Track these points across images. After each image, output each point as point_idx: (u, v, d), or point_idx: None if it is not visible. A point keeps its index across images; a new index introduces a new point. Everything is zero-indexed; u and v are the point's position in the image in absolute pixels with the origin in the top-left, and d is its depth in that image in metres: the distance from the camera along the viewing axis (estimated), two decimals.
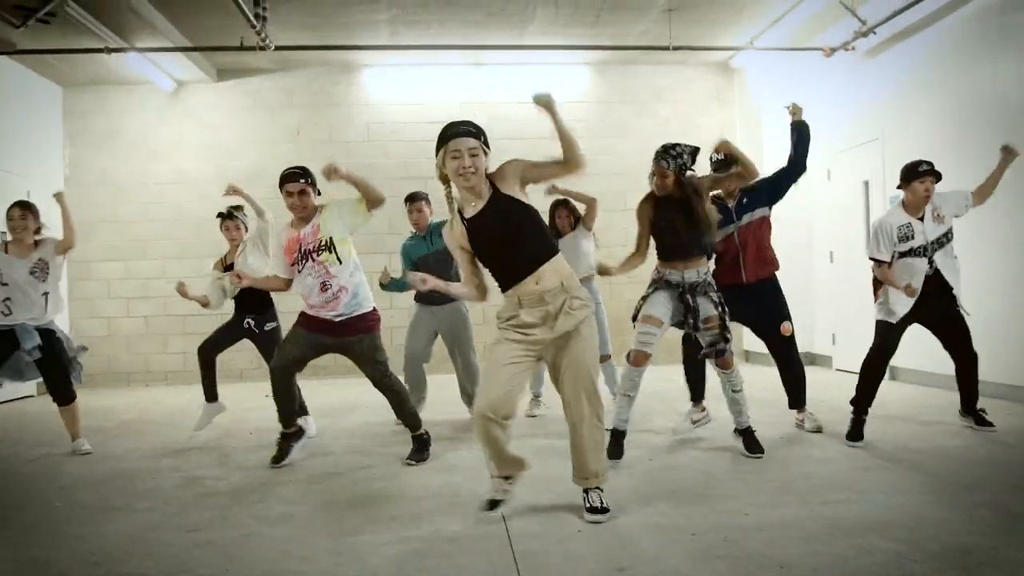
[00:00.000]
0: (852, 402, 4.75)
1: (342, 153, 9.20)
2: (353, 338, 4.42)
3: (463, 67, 9.32)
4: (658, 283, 4.35)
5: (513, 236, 3.22)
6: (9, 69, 7.99)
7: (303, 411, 5.48)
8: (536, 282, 3.20)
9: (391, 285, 5.49)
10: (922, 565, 2.65)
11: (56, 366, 4.96)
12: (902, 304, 4.63)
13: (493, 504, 3.34)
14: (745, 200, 4.92)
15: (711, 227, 4.27)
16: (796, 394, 5.04)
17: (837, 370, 8.24)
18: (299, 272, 4.40)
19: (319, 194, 4.52)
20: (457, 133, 3.22)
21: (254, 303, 5.38)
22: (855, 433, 4.61)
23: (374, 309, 4.50)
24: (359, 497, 3.75)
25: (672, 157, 4.26)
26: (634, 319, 4.38)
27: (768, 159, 8.90)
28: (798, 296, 8.73)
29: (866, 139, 7.72)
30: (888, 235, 4.67)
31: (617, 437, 4.30)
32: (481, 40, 8.41)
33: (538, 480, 3.81)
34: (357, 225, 4.42)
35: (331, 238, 4.34)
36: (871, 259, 4.78)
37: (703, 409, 5.04)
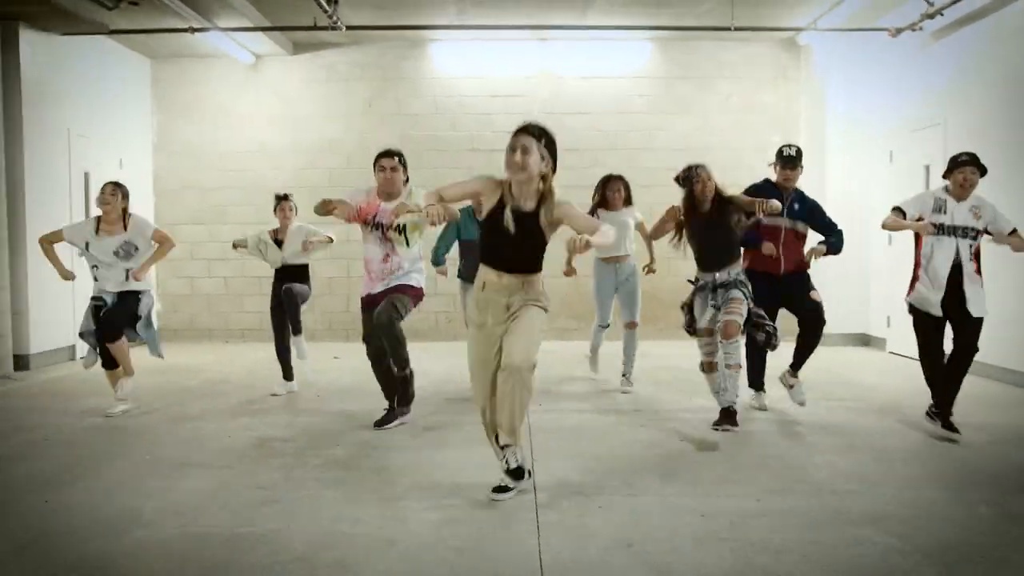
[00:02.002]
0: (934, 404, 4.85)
1: (410, 125, 9.57)
2: (391, 294, 4.81)
3: (528, 42, 9.50)
4: (696, 288, 4.87)
5: (518, 245, 3.54)
6: (102, 46, 8.57)
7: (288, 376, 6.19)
8: (499, 277, 3.56)
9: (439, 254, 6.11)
10: (906, 558, 2.89)
11: (121, 307, 5.38)
12: (924, 291, 4.74)
13: (503, 489, 3.58)
14: (797, 207, 5.24)
15: (734, 238, 4.78)
16: (801, 359, 5.29)
17: (890, 352, 8.30)
18: (369, 233, 4.86)
19: (407, 180, 4.93)
20: (519, 130, 3.53)
21: (294, 275, 6.11)
22: (945, 425, 4.69)
23: (420, 288, 4.94)
24: (406, 466, 4.15)
25: (704, 167, 4.74)
26: (688, 328, 4.92)
27: (831, 139, 8.90)
28: (854, 278, 8.84)
29: (929, 123, 7.66)
30: (924, 200, 4.83)
31: (725, 412, 4.81)
32: (544, 20, 8.57)
33: (569, 456, 4.16)
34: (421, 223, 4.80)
35: (405, 225, 4.78)
36: (894, 208, 4.90)
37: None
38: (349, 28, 8.02)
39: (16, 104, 7.37)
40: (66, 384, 6.68)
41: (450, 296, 9.50)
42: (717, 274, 4.75)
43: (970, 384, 4.88)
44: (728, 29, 8.11)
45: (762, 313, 4.84)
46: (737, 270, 4.76)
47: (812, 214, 5.30)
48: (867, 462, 4.20)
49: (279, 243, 6.16)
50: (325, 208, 4.57)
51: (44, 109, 7.69)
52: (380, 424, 4.93)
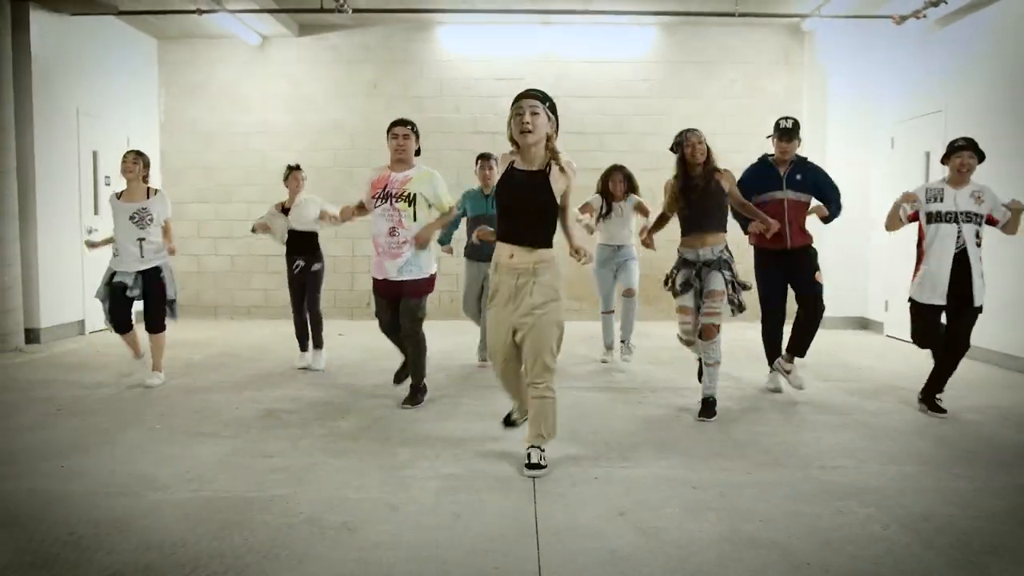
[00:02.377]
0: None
1: (415, 108, 9.64)
2: (407, 296, 4.94)
3: (532, 25, 9.55)
4: (678, 263, 4.86)
5: (530, 208, 3.66)
6: (111, 26, 8.66)
7: (318, 344, 6.33)
8: (511, 255, 3.68)
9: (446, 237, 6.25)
10: (884, 529, 3.03)
11: (153, 299, 5.60)
12: (927, 284, 4.83)
13: (510, 422, 4.22)
14: (799, 176, 5.25)
15: (722, 200, 4.78)
16: (800, 343, 5.35)
17: (887, 336, 8.42)
18: (375, 208, 4.93)
19: (419, 152, 5.03)
20: (523, 95, 3.66)
21: (303, 244, 6.24)
22: (932, 408, 4.91)
23: (432, 276, 5.02)
24: (410, 437, 4.30)
25: (701, 134, 4.78)
26: (666, 283, 4.94)
27: (832, 129, 8.98)
28: (853, 262, 8.95)
29: (930, 110, 7.74)
30: (916, 192, 4.90)
31: (706, 403, 4.80)
32: (549, 4, 8.64)
33: (567, 430, 4.29)
34: (430, 200, 4.91)
35: (416, 194, 4.85)
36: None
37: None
38: (356, 11, 8.10)
39: (26, 83, 7.48)
40: (77, 357, 6.83)
41: (452, 276, 9.63)
42: (701, 250, 4.73)
43: (965, 367, 5.00)
44: (732, 15, 8.17)
45: (742, 284, 4.80)
46: (721, 247, 4.75)
47: (816, 183, 5.27)
48: (856, 439, 4.33)
49: (286, 212, 6.29)
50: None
51: (53, 88, 7.80)
52: (400, 380, 5.36)
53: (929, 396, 4.95)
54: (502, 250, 3.73)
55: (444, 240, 6.29)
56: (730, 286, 4.67)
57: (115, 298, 5.56)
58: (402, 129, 4.90)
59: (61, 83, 7.91)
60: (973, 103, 7.03)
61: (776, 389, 5.51)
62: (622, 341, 6.34)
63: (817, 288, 5.26)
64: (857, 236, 8.86)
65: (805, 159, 5.38)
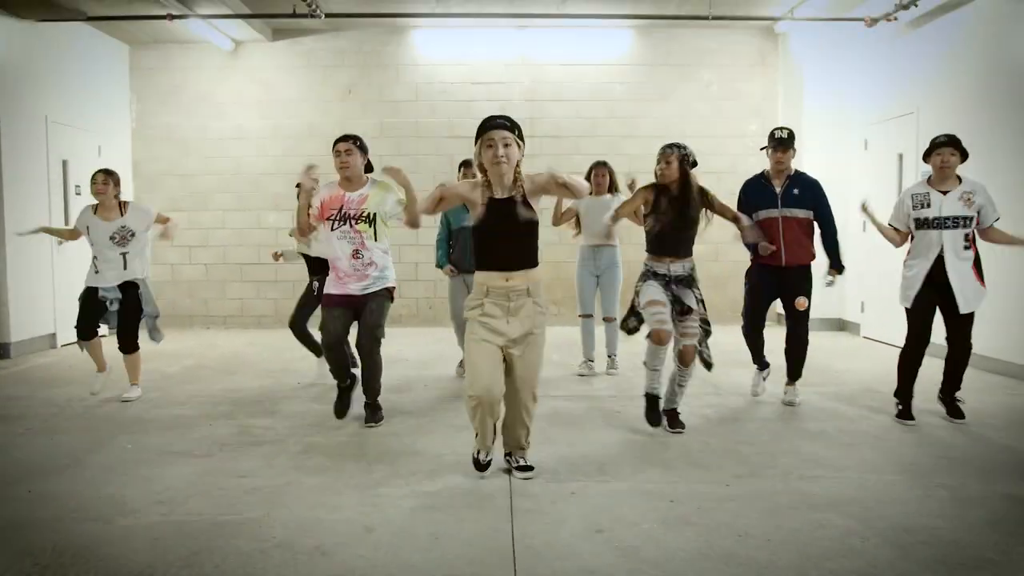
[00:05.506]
0: (895, 393, 5.00)
1: (390, 112, 9.59)
2: (369, 301, 4.71)
3: (508, 29, 9.52)
4: (646, 275, 4.65)
5: (513, 235, 3.64)
6: (79, 32, 8.52)
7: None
8: (506, 279, 3.63)
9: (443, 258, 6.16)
10: (864, 541, 3.02)
11: (128, 317, 5.52)
12: (914, 285, 4.81)
13: (483, 464, 3.85)
14: (795, 191, 5.16)
15: (695, 229, 4.61)
16: (792, 365, 5.36)
17: (864, 337, 8.47)
18: (332, 231, 4.67)
19: (369, 167, 4.82)
20: (494, 126, 3.61)
21: (322, 265, 5.86)
22: (903, 413, 4.88)
23: (394, 286, 4.87)
24: (386, 453, 4.24)
25: (679, 147, 4.55)
26: (632, 308, 4.70)
27: (808, 128, 9.00)
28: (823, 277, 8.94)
29: (902, 112, 7.79)
30: (904, 204, 4.91)
31: (652, 403, 4.65)
32: (524, 8, 8.59)
33: (544, 441, 4.26)
34: (388, 217, 4.74)
35: (375, 214, 4.68)
36: (891, 227, 5.04)
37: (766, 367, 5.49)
38: (328, 15, 8.02)
39: None
40: (47, 372, 6.71)
41: (430, 283, 9.59)
42: (671, 265, 4.56)
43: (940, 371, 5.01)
44: (706, 18, 8.18)
45: (705, 318, 4.66)
46: (691, 265, 4.62)
47: (814, 199, 5.18)
48: (834, 447, 4.32)
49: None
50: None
51: (21, 96, 7.65)
52: (343, 414, 4.92)
53: (950, 398, 4.94)
54: (491, 277, 3.65)
55: (441, 263, 6.16)
56: (700, 305, 4.59)
57: (90, 305, 5.45)
58: (344, 145, 4.67)
59: (29, 91, 7.76)
60: (946, 104, 7.08)
61: (756, 394, 5.53)
62: (608, 356, 6.29)
63: (801, 318, 5.21)
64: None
65: (800, 175, 5.26)
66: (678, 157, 4.53)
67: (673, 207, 4.54)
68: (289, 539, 3.06)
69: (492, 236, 3.67)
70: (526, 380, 3.72)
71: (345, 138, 4.73)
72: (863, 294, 8.56)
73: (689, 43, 9.70)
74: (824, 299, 8.97)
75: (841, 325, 9.13)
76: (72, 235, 5.71)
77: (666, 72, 9.72)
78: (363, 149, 4.77)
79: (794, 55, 9.33)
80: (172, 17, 7.88)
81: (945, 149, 4.74)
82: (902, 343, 4.96)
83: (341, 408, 4.93)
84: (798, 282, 5.21)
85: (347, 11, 8.40)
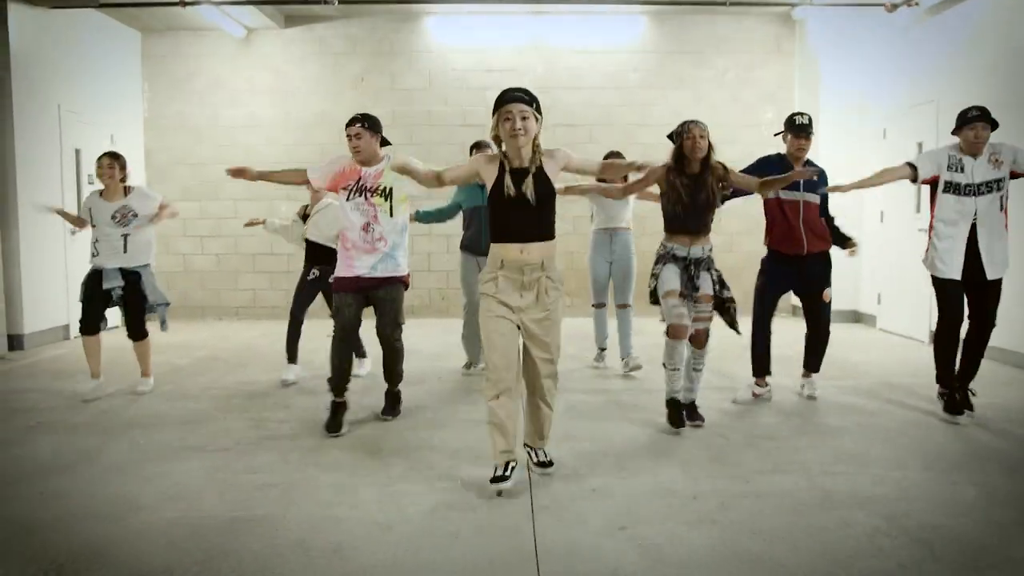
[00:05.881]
0: (936, 379, 4.88)
1: (403, 100, 9.51)
2: (381, 289, 4.64)
3: (521, 16, 9.41)
4: (665, 257, 4.54)
5: (530, 206, 3.53)
6: (92, 19, 8.47)
7: (361, 354, 6.01)
8: (521, 251, 3.54)
9: (427, 216, 6.02)
10: (892, 540, 2.95)
11: (134, 305, 5.48)
12: (946, 256, 4.68)
13: (501, 479, 3.51)
14: (815, 177, 4.93)
15: (713, 208, 4.50)
16: (814, 357, 5.27)
17: (880, 330, 8.36)
18: (347, 201, 4.61)
19: (382, 143, 4.74)
20: (511, 98, 3.51)
21: (321, 255, 5.79)
22: (949, 407, 4.73)
23: (408, 274, 4.79)
24: (402, 447, 4.20)
25: (705, 127, 4.43)
26: (652, 297, 4.60)
27: (824, 116, 8.87)
28: (845, 255, 8.82)
29: (922, 100, 7.65)
30: (939, 156, 4.75)
31: (675, 406, 4.54)
32: None
33: (563, 438, 4.20)
34: (406, 186, 4.61)
35: (391, 188, 4.60)
36: (908, 164, 4.85)
37: (766, 384, 5.25)
38: (342, 2, 7.94)
39: (5, 80, 7.29)
40: (60, 364, 6.69)
41: (443, 273, 9.53)
42: (691, 248, 4.47)
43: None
44: (723, 3, 8.06)
45: (727, 287, 4.60)
46: (710, 246, 4.53)
47: (822, 185, 5.07)
48: (856, 443, 4.25)
49: (305, 218, 5.97)
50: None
51: (34, 85, 7.61)
52: (336, 429, 4.51)
53: (963, 385, 4.79)
54: (507, 249, 3.57)
55: (420, 216, 6.00)
56: (720, 285, 4.52)
57: (93, 295, 5.41)
58: (351, 129, 4.59)
59: (41, 79, 7.72)
60: (965, 93, 6.92)
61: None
62: (622, 358, 6.17)
63: (824, 310, 5.13)
64: (849, 229, 8.69)
65: (809, 159, 5.18)
66: (703, 132, 4.40)
67: (695, 187, 4.43)
68: (305, 538, 3.01)
69: (508, 207, 3.57)
70: (545, 359, 3.61)
71: (352, 121, 4.64)
72: (879, 286, 8.45)
73: (704, 29, 9.56)
74: (840, 291, 8.87)
75: (856, 317, 9.02)
76: (82, 223, 5.66)
77: (681, 59, 9.59)
78: (374, 128, 4.66)
79: (811, 42, 9.18)
80: (185, 3, 7.82)
81: (979, 123, 4.62)
82: (919, 336, 4.86)
83: (334, 425, 4.52)
84: (820, 270, 5.13)
85: None
